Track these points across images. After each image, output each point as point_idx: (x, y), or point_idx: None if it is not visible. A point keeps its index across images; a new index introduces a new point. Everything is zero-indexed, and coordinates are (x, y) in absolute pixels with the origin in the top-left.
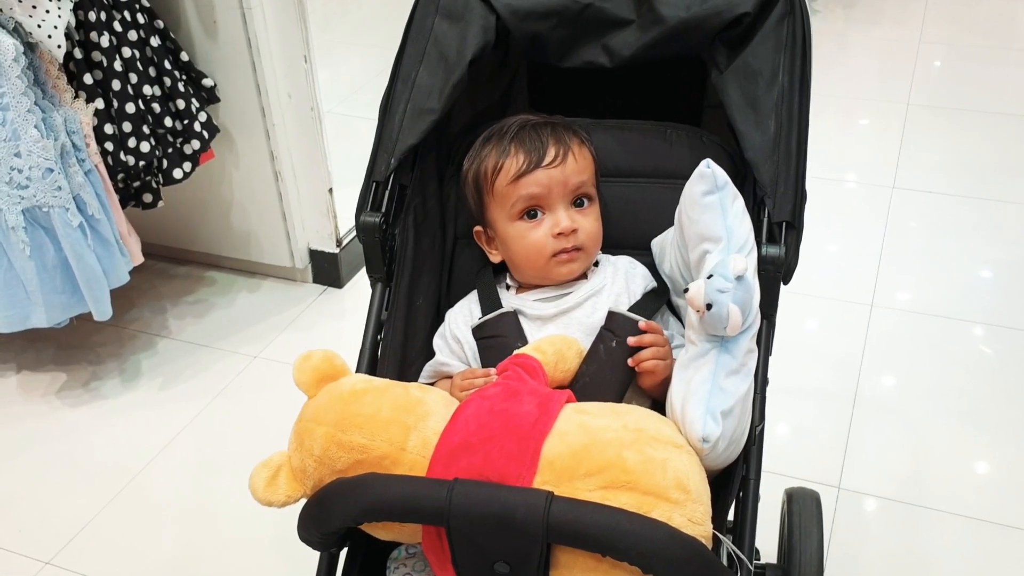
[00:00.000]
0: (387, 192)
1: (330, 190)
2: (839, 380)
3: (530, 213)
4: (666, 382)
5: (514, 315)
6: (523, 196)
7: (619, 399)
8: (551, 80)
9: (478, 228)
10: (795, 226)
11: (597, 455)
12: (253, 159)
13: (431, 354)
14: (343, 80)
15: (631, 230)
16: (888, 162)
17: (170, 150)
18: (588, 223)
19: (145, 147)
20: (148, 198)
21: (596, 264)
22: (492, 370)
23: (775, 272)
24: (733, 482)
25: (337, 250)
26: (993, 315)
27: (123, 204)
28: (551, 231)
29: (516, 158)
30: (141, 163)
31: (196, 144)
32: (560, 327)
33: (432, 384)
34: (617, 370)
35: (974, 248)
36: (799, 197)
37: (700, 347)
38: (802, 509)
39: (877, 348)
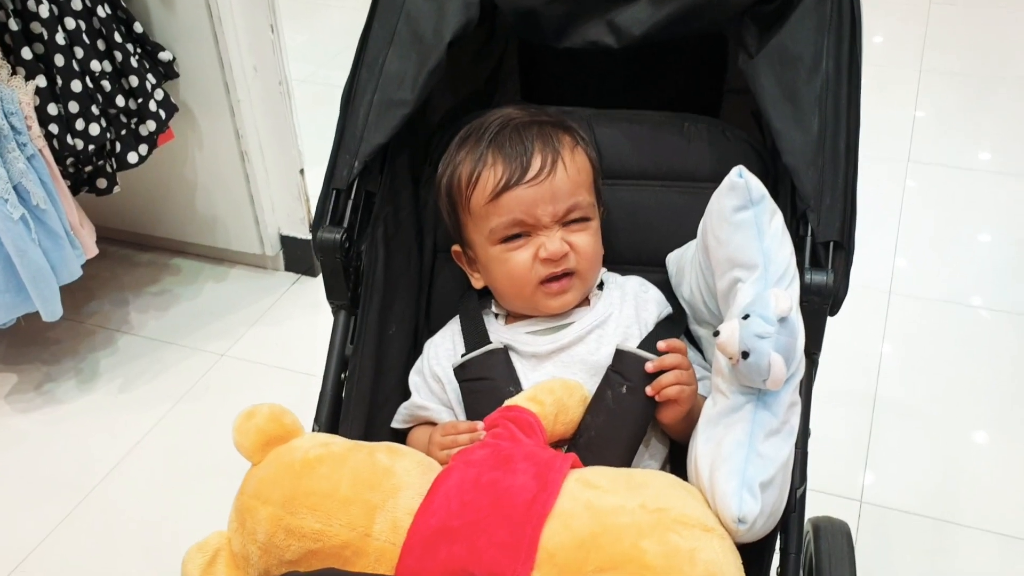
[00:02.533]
0: (350, 202)
1: (301, 171)
2: (856, 379)
3: (512, 236)
4: (690, 416)
5: (504, 353)
6: (504, 220)
7: (631, 456)
8: (546, 63)
9: (456, 248)
10: (844, 247)
11: (609, 546)
12: (217, 139)
13: (407, 392)
14: (322, 42)
15: (642, 243)
16: (903, 134)
17: (123, 132)
18: (583, 243)
19: (95, 129)
20: (102, 184)
21: (600, 286)
22: (479, 424)
23: (821, 304)
24: (766, 556)
25: (310, 235)
26: None
27: (75, 191)
28: (537, 255)
29: (494, 170)
30: (91, 147)
31: (152, 125)
32: (559, 366)
33: (409, 430)
34: (628, 421)
35: (1006, 226)
36: (849, 211)
37: (732, 400)
38: (831, 547)
39: (897, 342)
